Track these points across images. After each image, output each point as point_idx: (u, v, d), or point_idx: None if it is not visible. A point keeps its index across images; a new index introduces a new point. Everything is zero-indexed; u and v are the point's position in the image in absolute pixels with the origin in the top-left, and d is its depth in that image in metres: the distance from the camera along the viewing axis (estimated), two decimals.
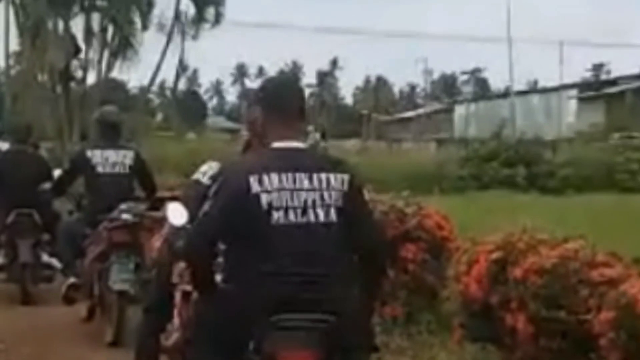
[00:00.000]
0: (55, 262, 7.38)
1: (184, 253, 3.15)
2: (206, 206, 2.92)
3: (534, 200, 14.58)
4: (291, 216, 2.82)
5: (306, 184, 2.85)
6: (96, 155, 6.32)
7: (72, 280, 6.44)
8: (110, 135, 6.47)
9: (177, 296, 4.07)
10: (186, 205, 3.93)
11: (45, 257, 7.54)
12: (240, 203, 2.82)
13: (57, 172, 7.05)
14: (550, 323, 4.11)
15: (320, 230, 2.84)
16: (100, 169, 6.28)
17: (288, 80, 3.54)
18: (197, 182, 4.08)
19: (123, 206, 6.04)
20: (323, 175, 2.88)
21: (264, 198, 2.81)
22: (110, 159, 6.32)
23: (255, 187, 2.82)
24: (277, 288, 2.77)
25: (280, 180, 2.83)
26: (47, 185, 7.11)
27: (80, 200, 6.53)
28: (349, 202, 2.88)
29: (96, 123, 6.69)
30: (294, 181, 2.85)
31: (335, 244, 2.85)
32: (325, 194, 2.86)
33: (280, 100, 3.01)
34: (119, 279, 5.87)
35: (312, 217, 2.84)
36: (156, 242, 4.70)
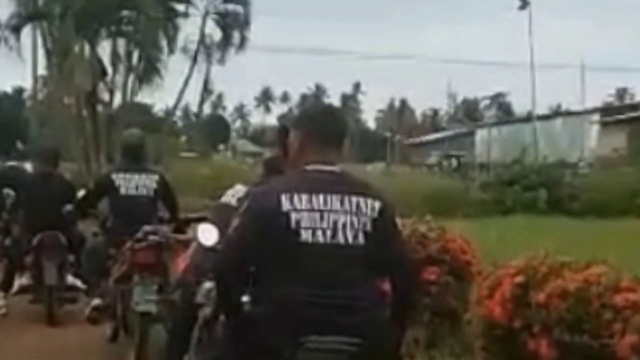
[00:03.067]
0: (79, 283, 7.46)
1: (213, 270, 3.17)
2: (236, 222, 2.93)
3: (556, 224, 14.50)
4: (319, 236, 2.83)
5: (337, 206, 2.87)
6: (120, 178, 6.41)
7: (96, 301, 6.50)
8: (134, 158, 6.56)
9: (201, 317, 4.12)
10: (216, 227, 3.98)
11: (70, 279, 7.61)
12: (270, 220, 2.84)
13: (81, 193, 7.15)
14: (574, 347, 4.09)
15: (347, 252, 2.85)
16: (123, 191, 6.37)
17: (329, 107, 3.56)
18: (226, 205, 4.14)
19: (147, 228, 6.11)
20: (354, 199, 2.90)
21: (294, 216, 2.83)
22: (134, 182, 6.40)
23: (286, 205, 2.84)
24: (305, 310, 2.78)
25: (310, 201, 2.85)
26: (70, 207, 7.20)
27: (104, 222, 6.61)
28: (378, 228, 2.89)
29: (121, 146, 6.79)
30: (325, 202, 2.86)
31: (362, 267, 2.86)
32: (355, 218, 2.87)
33: (320, 126, 3.03)
34: (142, 299, 5.90)
35: (341, 239, 2.85)
36: (181, 263, 4.76)
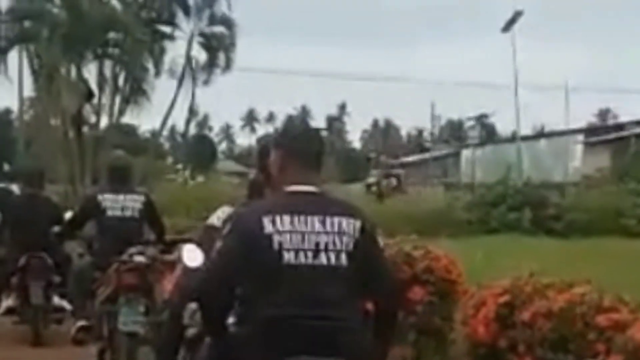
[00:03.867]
0: (65, 304, 7.44)
1: (197, 292, 3.20)
2: (219, 245, 2.96)
3: (540, 243, 14.57)
4: (302, 258, 2.86)
5: (318, 227, 2.90)
6: (107, 199, 6.43)
7: (81, 322, 6.51)
8: (120, 179, 6.58)
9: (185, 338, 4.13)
10: (201, 249, 4.01)
11: (56, 300, 7.59)
12: (252, 242, 2.87)
13: (67, 215, 7.15)
14: None
15: (330, 273, 2.88)
16: (110, 213, 6.38)
17: (307, 128, 3.59)
18: (212, 227, 4.16)
19: (132, 249, 6.12)
20: (336, 219, 2.93)
21: (276, 238, 2.86)
22: (120, 203, 6.42)
23: (268, 227, 2.87)
24: (290, 331, 2.80)
25: (292, 222, 2.88)
26: (56, 229, 7.20)
27: (90, 244, 6.62)
28: (360, 247, 2.92)
29: (106, 168, 6.81)
30: (306, 224, 2.89)
31: (345, 287, 2.89)
32: (337, 239, 2.90)
33: (299, 146, 3.07)
34: (129, 320, 5.90)
35: (323, 260, 2.88)
36: (168, 284, 4.78)
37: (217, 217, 4.24)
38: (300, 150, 3.06)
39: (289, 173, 3.04)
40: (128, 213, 6.41)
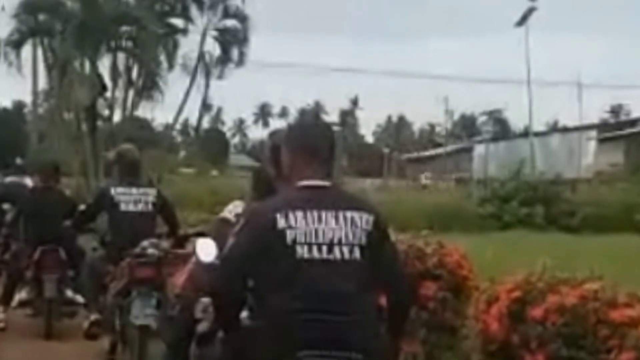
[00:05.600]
0: (78, 297, 7.48)
1: (210, 287, 3.20)
2: (232, 241, 2.98)
3: (553, 239, 14.53)
4: (315, 252, 2.86)
5: (332, 221, 2.91)
6: (119, 193, 6.42)
7: (94, 316, 6.54)
8: (131, 173, 6.56)
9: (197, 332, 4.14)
10: (215, 242, 4.02)
11: (69, 293, 7.63)
12: (266, 238, 2.88)
13: (81, 208, 7.17)
14: None
15: (344, 267, 2.88)
16: (123, 207, 6.38)
17: (316, 122, 3.59)
18: (225, 220, 4.18)
19: (145, 243, 6.14)
20: (348, 214, 2.93)
21: (289, 234, 2.86)
22: (133, 197, 6.41)
23: (281, 223, 2.87)
24: (303, 325, 2.81)
25: (305, 217, 2.89)
26: (67, 222, 7.22)
27: (103, 237, 6.64)
28: (372, 241, 2.93)
29: (116, 162, 6.76)
30: (319, 219, 2.90)
31: (359, 281, 2.89)
32: (350, 233, 2.91)
33: (308, 141, 3.07)
34: (141, 314, 5.93)
35: (337, 254, 2.88)
36: (180, 278, 4.79)
37: (228, 211, 4.26)
38: (311, 145, 3.05)
39: (300, 168, 3.04)
40: (141, 207, 6.39)
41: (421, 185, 33.70)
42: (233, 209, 4.23)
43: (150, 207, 6.43)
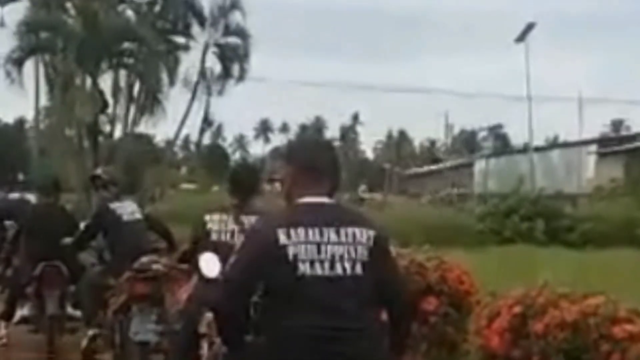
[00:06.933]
0: (78, 313, 7.49)
1: (213, 304, 3.21)
2: (233, 258, 2.98)
3: (553, 254, 14.49)
4: (317, 269, 2.88)
5: (334, 237, 2.92)
6: (118, 207, 6.71)
7: (92, 331, 6.57)
8: (116, 190, 6.90)
9: (204, 347, 4.15)
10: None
11: (69, 309, 7.64)
12: (267, 254, 2.89)
13: (82, 225, 7.22)
14: None
15: (346, 283, 2.89)
16: (125, 218, 6.65)
17: (318, 139, 3.62)
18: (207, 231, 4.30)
19: (144, 259, 6.18)
20: (350, 230, 2.94)
21: (291, 250, 2.87)
22: (128, 208, 6.76)
23: (282, 239, 2.88)
24: (307, 342, 2.81)
25: (306, 234, 2.90)
26: (67, 240, 7.25)
27: (101, 253, 6.72)
28: (374, 257, 2.94)
29: (101, 181, 7.04)
30: (321, 235, 2.91)
31: (361, 297, 2.90)
32: (352, 248, 2.92)
33: (310, 158, 3.09)
34: (141, 329, 5.95)
35: (339, 270, 2.89)
36: (183, 293, 4.80)
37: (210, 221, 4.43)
38: (312, 162, 3.07)
39: (301, 185, 3.05)
40: (137, 216, 6.76)
41: (359, 198, 33.73)
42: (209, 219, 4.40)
43: (141, 215, 6.82)
